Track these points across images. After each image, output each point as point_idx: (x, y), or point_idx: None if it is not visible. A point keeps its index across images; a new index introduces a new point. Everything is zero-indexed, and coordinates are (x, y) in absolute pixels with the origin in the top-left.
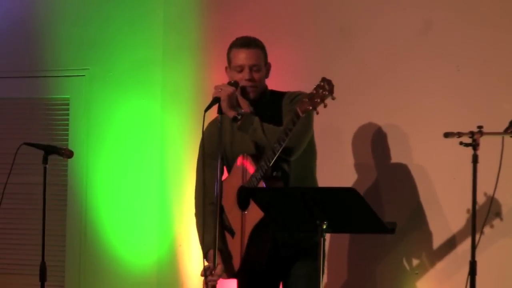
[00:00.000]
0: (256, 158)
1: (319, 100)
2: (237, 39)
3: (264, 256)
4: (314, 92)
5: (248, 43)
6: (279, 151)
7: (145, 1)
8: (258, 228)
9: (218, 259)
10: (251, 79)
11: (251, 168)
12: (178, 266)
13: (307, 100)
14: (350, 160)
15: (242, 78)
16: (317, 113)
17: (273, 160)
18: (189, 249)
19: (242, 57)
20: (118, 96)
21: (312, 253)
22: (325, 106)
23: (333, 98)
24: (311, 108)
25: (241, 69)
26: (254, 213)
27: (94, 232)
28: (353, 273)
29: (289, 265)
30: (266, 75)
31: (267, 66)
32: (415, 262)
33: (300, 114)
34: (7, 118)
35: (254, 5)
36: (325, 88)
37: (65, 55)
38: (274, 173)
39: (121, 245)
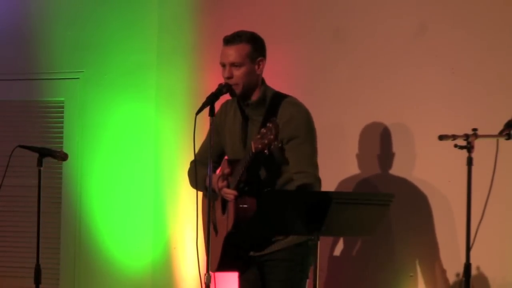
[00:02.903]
0: (234, 165)
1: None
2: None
3: (241, 257)
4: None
5: (231, 39)
6: (243, 175)
7: (139, 5)
8: (232, 236)
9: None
10: (229, 77)
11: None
12: (172, 268)
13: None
14: (343, 163)
15: (223, 75)
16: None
17: (240, 180)
18: (183, 251)
19: (223, 54)
20: (112, 99)
21: (287, 255)
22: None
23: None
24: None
25: (223, 66)
26: (229, 222)
27: (89, 235)
28: (347, 276)
29: (263, 268)
30: (258, 71)
31: (258, 61)
32: (409, 264)
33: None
34: (2, 120)
35: (248, 8)
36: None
37: (59, 57)
38: (246, 188)
39: (116, 248)
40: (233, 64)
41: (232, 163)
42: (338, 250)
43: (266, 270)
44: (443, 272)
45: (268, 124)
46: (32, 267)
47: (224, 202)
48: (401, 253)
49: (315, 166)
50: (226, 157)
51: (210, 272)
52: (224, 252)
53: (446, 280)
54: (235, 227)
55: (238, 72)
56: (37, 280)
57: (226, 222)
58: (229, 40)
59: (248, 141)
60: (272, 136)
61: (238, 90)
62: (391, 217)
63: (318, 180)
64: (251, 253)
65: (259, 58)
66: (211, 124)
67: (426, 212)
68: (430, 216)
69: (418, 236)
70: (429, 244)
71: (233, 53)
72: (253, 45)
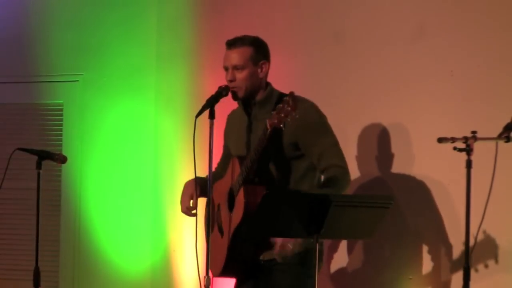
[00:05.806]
0: (244, 160)
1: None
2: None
3: (247, 259)
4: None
5: (233, 42)
6: (255, 162)
7: (138, 7)
8: (240, 231)
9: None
10: (231, 80)
11: (237, 171)
12: (171, 271)
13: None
14: None
15: (226, 79)
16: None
17: (251, 168)
18: (182, 254)
19: (226, 57)
20: (112, 101)
21: (298, 260)
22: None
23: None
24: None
25: (226, 70)
26: (236, 215)
27: (88, 237)
28: (346, 278)
29: (270, 272)
30: (261, 74)
31: (260, 65)
32: (409, 267)
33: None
34: (1, 123)
35: (248, 11)
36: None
37: (59, 60)
38: (256, 179)
39: (115, 251)
40: (235, 67)
41: (241, 159)
42: (336, 252)
43: (274, 274)
44: (443, 274)
45: (284, 98)
46: (31, 270)
47: (231, 199)
48: (400, 256)
49: (341, 156)
50: (235, 157)
51: (210, 276)
52: (229, 253)
53: (445, 283)
54: (244, 218)
55: (240, 75)
56: (36, 282)
57: (232, 219)
58: (231, 44)
59: (254, 140)
60: (289, 108)
61: (241, 93)
62: (390, 219)
63: (348, 173)
64: (262, 257)
65: (262, 61)
66: (210, 127)
67: (425, 215)
68: (429, 219)
69: (417, 238)
70: (429, 247)
71: (235, 56)
72: (256, 48)
